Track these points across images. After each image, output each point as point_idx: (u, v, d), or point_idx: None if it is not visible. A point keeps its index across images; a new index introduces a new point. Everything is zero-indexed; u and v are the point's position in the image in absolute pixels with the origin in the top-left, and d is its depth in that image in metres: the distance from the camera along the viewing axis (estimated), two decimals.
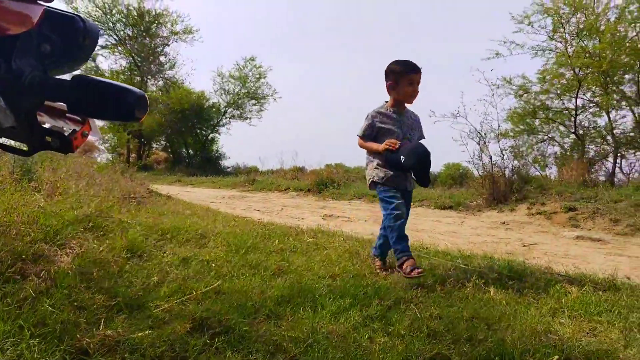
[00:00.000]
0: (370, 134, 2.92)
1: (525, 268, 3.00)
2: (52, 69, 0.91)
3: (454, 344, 1.79)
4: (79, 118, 1.00)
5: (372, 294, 2.28)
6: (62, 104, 0.92)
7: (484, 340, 1.81)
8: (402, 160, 2.68)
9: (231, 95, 22.80)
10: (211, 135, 23.83)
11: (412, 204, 3.10)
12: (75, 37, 0.89)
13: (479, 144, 7.49)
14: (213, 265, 2.72)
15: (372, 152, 2.95)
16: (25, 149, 0.93)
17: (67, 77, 0.92)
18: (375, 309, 2.09)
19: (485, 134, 7.43)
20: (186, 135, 23.27)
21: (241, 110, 23.22)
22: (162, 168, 22.28)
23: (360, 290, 2.34)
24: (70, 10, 0.95)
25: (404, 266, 2.59)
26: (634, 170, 11.79)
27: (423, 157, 2.70)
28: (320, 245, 3.54)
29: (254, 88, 22.74)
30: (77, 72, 0.94)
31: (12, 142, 0.99)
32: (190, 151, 24.12)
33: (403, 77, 2.82)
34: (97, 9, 20.70)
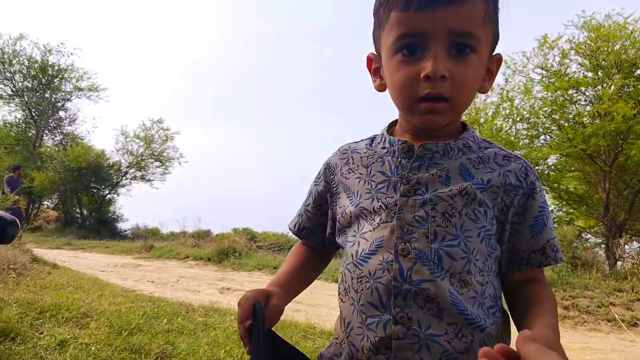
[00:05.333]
0: (304, 224, 1.00)
1: None
2: None
3: None
4: None
5: None
6: None
7: None
8: None
9: (134, 156, 22.11)
10: (109, 195, 22.73)
11: None
12: None
13: None
14: (93, 349, 2.67)
15: None
16: None
17: None
18: None
19: None
20: (81, 194, 21.98)
21: (144, 172, 22.52)
22: (52, 228, 20.60)
23: None
24: None
25: None
26: None
27: None
28: (210, 325, 3.57)
29: (159, 150, 22.30)
30: None
31: None
32: (85, 211, 22.70)
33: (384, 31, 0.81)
34: None
